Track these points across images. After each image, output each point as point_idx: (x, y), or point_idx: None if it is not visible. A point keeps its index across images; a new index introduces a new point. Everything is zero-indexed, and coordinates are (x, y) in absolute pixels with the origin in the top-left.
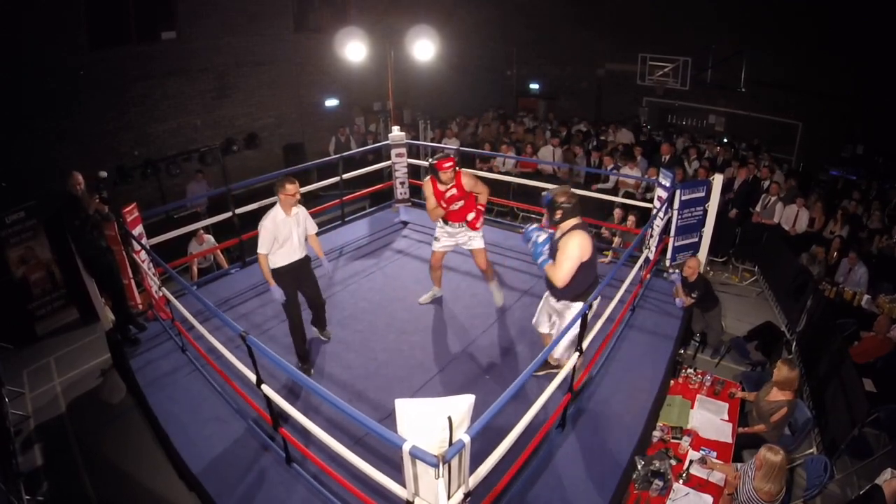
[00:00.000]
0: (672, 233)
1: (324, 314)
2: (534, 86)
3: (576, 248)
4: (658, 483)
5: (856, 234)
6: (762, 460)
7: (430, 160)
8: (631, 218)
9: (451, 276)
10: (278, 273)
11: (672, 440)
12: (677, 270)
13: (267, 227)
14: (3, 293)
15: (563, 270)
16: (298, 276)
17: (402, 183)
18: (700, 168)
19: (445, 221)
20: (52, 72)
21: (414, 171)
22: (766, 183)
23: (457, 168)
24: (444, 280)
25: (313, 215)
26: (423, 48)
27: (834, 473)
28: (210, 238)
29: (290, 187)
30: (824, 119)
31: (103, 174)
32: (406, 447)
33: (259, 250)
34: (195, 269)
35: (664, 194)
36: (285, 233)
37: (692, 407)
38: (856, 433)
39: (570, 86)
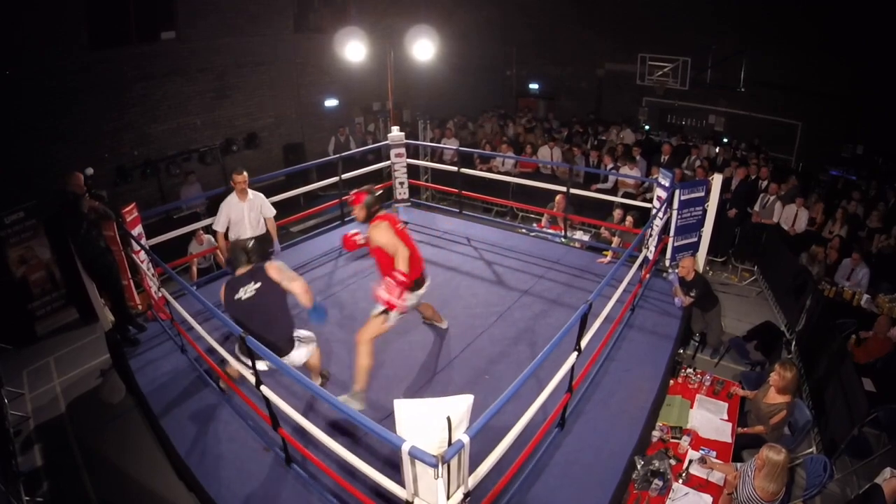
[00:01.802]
0: (671, 232)
1: None
2: (534, 86)
3: None
4: (658, 483)
5: (855, 234)
6: (765, 460)
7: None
8: (629, 218)
9: (451, 275)
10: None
11: (671, 440)
12: (675, 270)
13: (222, 208)
14: (3, 293)
15: None
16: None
17: (402, 183)
18: (699, 168)
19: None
20: (52, 72)
21: (413, 171)
22: (765, 183)
23: (374, 210)
24: (445, 279)
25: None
26: (423, 48)
27: (833, 473)
28: (210, 238)
29: (236, 176)
30: (824, 119)
31: (89, 171)
32: (405, 447)
33: (214, 227)
34: (195, 269)
35: (663, 194)
36: (237, 215)
37: (692, 407)
38: (855, 433)
39: (570, 86)
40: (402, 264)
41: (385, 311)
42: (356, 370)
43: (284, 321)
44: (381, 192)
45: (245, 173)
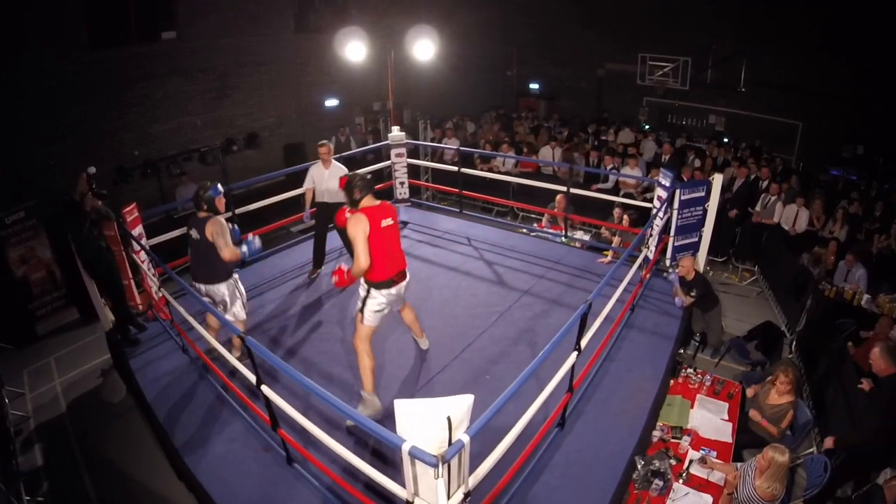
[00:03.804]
0: (672, 232)
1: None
2: (534, 86)
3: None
4: (658, 483)
5: (854, 235)
6: (769, 461)
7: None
8: (626, 218)
9: (451, 275)
10: (316, 204)
11: (672, 440)
12: (675, 270)
13: (309, 171)
14: (4, 293)
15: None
16: (330, 214)
17: (402, 183)
18: (696, 170)
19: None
20: (52, 72)
21: (414, 171)
22: (766, 183)
23: (358, 197)
24: (445, 279)
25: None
26: (423, 48)
27: (831, 471)
28: None
29: (319, 148)
30: (824, 119)
31: (92, 170)
32: (405, 447)
33: (304, 185)
34: None
35: (664, 194)
36: (318, 179)
37: (692, 407)
38: None
39: (570, 86)
40: (355, 263)
41: (360, 310)
42: (360, 373)
43: (213, 265)
44: (369, 176)
45: (328, 145)
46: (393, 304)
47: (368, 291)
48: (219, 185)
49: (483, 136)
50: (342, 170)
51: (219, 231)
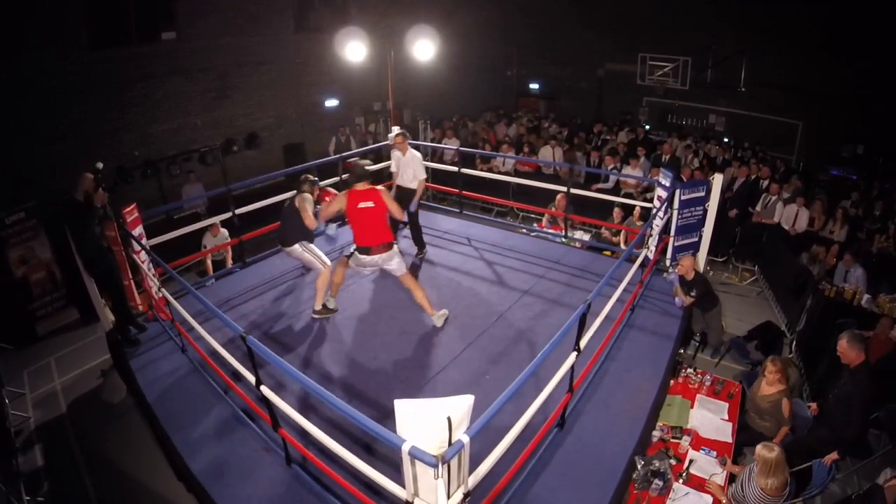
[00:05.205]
0: (672, 232)
1: (419, 235)
2: (534, 86)
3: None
4: (658, 483)
5: (855, 235)
6: (758, 457)
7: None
8: (637, 209)
9: (451, 275)
10: (397, 187)
11: (672, 440)
12: (675, 270)
13: (392, 155)
14: (4, 293)
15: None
16: (405, 198)
17: None
18: (695, 170)
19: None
20: (52, 72)
21: None
22: (766, 182)
23: (350, 179)
24: (445, 279)
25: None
26: (423, 48)
27: (834, 473)
28: (225, 232)
29: (393, 136)
30: (824, 119)
31: (100, 165)
32: (405, 447)
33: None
34: (209, 262)
35: (664, 194)
36: (396, 165)
37: (692, 407)
38: None
39: (570, 86)
40: (322, 212)
41: (349, 255)
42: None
43: (292, 228)
44: (370, 167)
45: (398, 134)
46: (378, 266)
47: (353, 251)
48: (317, 178)
49: (482, 136)
50: (417, 158)
51: (304, 204)
